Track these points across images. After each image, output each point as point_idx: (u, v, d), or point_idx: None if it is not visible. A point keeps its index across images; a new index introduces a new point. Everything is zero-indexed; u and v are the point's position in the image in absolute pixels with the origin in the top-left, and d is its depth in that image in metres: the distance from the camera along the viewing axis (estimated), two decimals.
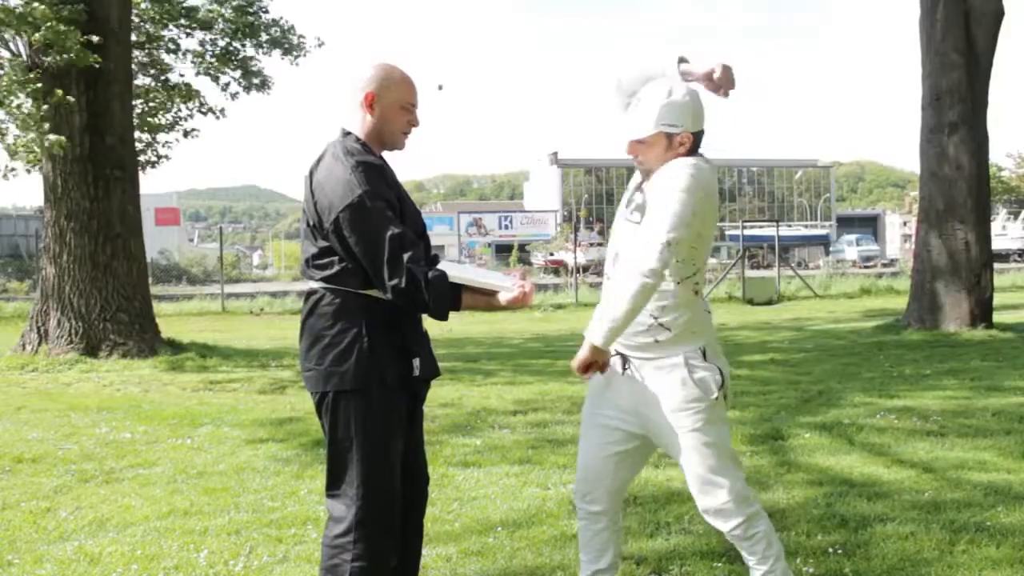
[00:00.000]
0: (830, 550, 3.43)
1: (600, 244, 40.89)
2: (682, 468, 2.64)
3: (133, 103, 11.63)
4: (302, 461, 5.11)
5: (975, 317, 11.05)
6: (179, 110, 13.82)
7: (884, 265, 41.77)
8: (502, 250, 55.13)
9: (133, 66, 11.80)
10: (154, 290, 16.34)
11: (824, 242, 57.46)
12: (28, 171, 11.52)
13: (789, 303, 20.55)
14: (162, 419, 6.53)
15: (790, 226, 62.55)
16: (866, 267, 40.14)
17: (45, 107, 9.84)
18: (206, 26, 13.20)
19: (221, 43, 13.48)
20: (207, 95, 14.23)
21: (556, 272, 38.94)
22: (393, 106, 2.54)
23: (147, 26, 13.20)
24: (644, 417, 2.62)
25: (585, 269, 26.30)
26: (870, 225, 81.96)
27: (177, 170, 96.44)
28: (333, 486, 2.52)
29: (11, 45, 10.59)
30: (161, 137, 13.72)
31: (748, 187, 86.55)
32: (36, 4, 9.29)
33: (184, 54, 13.52)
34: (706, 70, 2.63)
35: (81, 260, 10.28)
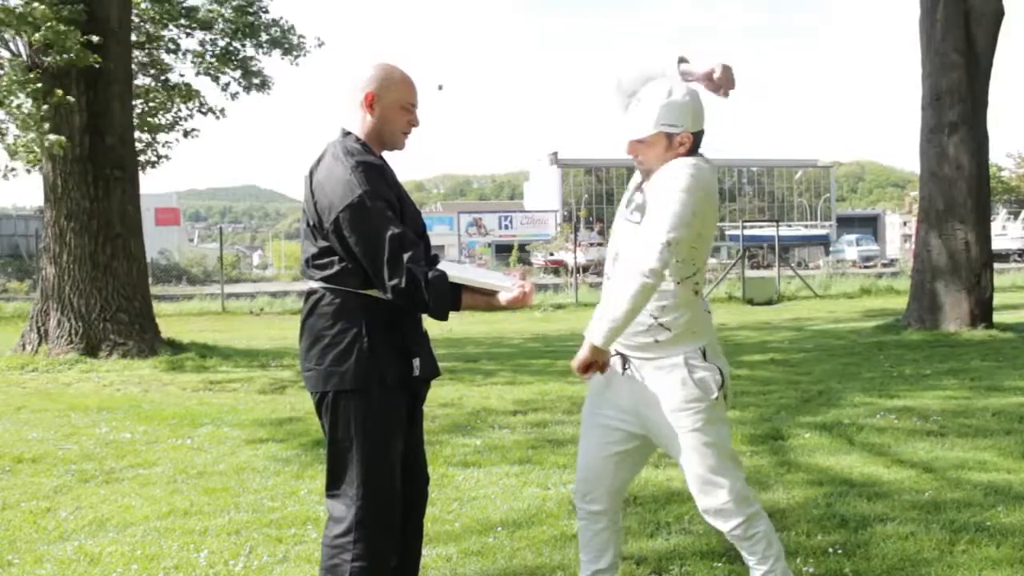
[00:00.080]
0: (830, 550, 3.43)
1: (600, 244, 40.88)
2: (682, 468, 2.64)
3: (133, 103, 11.63)
4: (302, 461, 5.11)
5: (975, 317, 11.05)
6: (179, 110, 13.82)
7: (884, 265, 41.77)
8: (502, 250, 55.13)
9: (133, 66, 11.79)
10: (154, 290, 16.35)
11: (824, 242, 57.46)
12: (28, 171, 11.52)
13: (789, 303, 20.55)
14: (162, 419, 6.53)
15: (790, 226, 62.56)
16: (866, 267, 40.13)
17: (45, 107, 9.84)
18: (206, 26, 13.20)
19: (221, 43, 13.48)
20: (207, 95, 14.24)
21: (556, 272, 38.94)
22: (393, 106, 2.54)
23: (147, 26, 13.20)
24: (644, 417, 2.62)
25: (585, 269, 26.31)
26: (870, 225, 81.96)
27: (177, 170, 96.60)
28: (333, 486, 2.52)
29: (11, 45, 10.59)
30: (161, 137, 13.74)
31: (748, 187, 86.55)
32: (36, 4, 9.30)
33: (184, 54, 13.53)
34: (706, 70, 2.63)
35: (81, 260, 10.28)
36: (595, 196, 78.68)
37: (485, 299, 2.54)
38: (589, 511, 2.76)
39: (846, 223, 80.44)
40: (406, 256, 2.36)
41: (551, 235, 57.98)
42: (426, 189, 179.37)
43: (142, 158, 13.10)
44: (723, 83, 2.63)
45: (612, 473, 2.73)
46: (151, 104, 13.45)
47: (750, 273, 27.56)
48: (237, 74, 13.61)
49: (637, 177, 2.71)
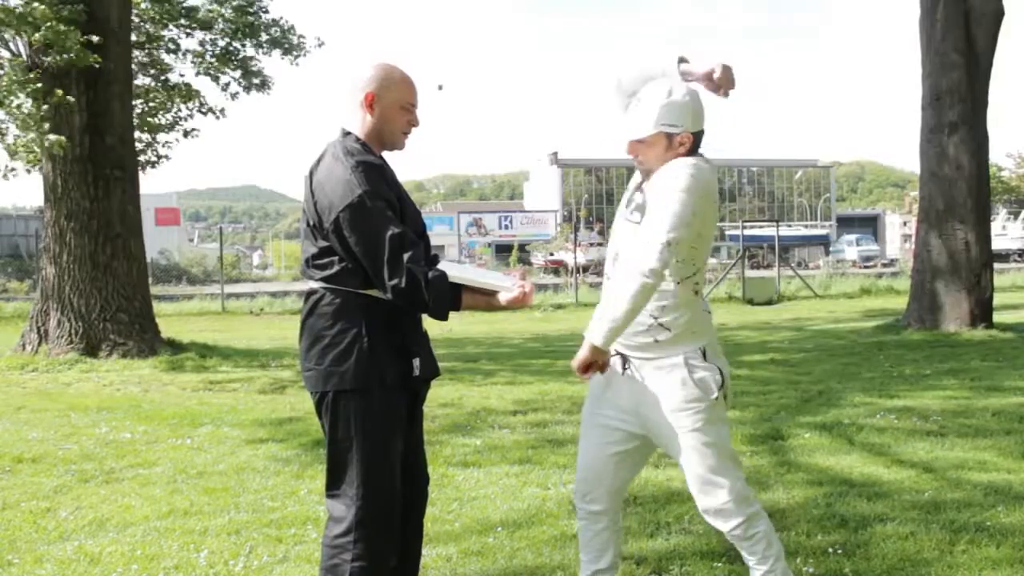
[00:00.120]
0: (830, 550, 3.43)
1: (600, 244, 40.89)
2: (682, 468, 2.64)
3: (133, 103, 11.62)
4: (302, 461, 5.11)
5: (975, 317, 11.05)
6: (179, 110, 13.82)
7: (884, 265, 41.77)
8: (502, 250, 55.12)
9: (133, 66, 11.79)
10: (154, 290, 16.34)
11: (824, 242, 57.47)
12: (28, 171, 11.52)
13: (789, 303, 20.55)
14: (162, 419, 6.53)
15: (790, 226, 62.57)
16: (866, 267, 40.14)
17: (45, 107, 9.84)
18: (206, 26, 13.20)
19: (221, 43, 13.48)
20: (207, 95, 14.22)
21: (556, 272, 38.95)
22: (393, 106, 2.54)
23: (147, 26, 13.20)
24: (644, 417, 2.62)
25: (585, 269, 26.32)
26: (870, 225, 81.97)
27: (177, 170, 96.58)
28: (333, 486, 2.52)
29: (11, 45, 10.59)
30: (161, 137, 13.74)
31: (748, 187, 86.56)
32: (36, 4, 9.29)
33: (184, 54, 13.52)
34: (706, 70, 2.63)
35: (81, 260, 10.27)
36: (595, 196, 78.69)
37: (485, 299, 2.54)
38: (589, 511, 2.76)
39: (846, 223, 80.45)
40: (406, 256, 2.36)
41: (551, 235, 57.98)
42: (426, 189, 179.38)
43: (142, 158, 13.10)
44: (723, 83, 2.63)
45: (612, 473, 2.73)
46: (151, 104, 13.45)
47: (750, 273, 27.57)
48: (237, 74, 13.61)
49: (637, 177, 2.71)
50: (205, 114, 13.87)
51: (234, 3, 13.10)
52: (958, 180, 11.17)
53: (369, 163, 2.45)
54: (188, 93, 13.55)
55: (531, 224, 63.12)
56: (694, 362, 2.55)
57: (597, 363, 2.55)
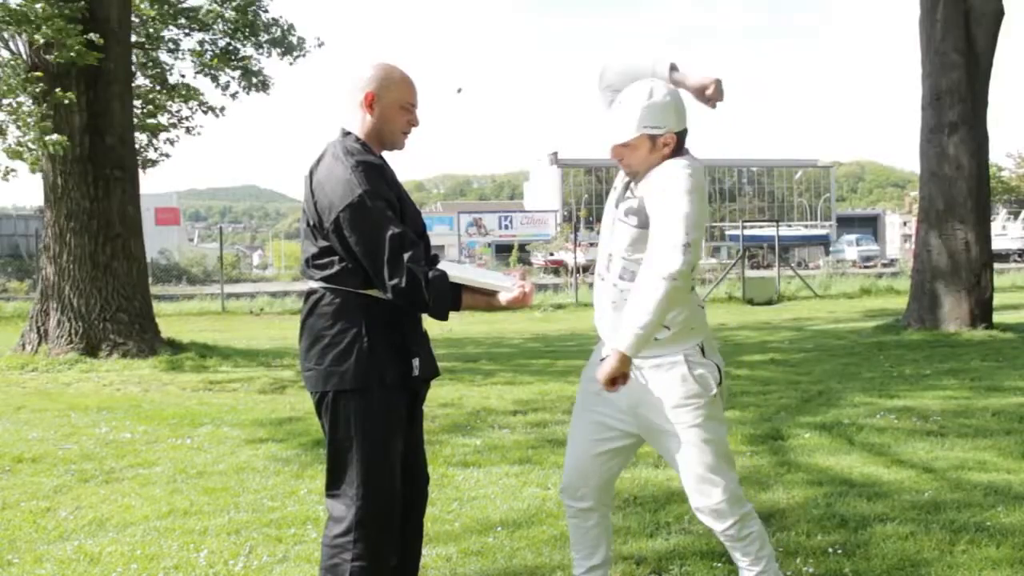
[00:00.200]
0: (830, 550, 3.43)
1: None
2: (677, 467, 2.63)
3: (133, 103, 11.62)
4: (302, 461, 5.11)
5: (975, 317, 11.05)
6: (179, 110, 13.82)
7: (884, 265, 41.79)
8: (502, 250, 55.13)
9: (132, 66, 11.79)
10: (154, 290, 16.34)
11: (824, 242, 57.50)
12: (32, 172, 11.50)
13: (789, 303, 20.55)
14: (162, 419, 6.53)
15: (790, 226, 62.60)
16: (866, 267, 40.15)
17: (45, 107, 9.83)
18: (206, 27, 13.20)
19: (221, 43, 13.47)
20: (207, 95, 14.20)
21: (556, 272, 38.95)
22: (393, 106, 2.54)
23: (147, 27, 13.19)
24: (641, 417, 2.62)
25: (585, 269, 26.29)
26: (870, 225, 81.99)
27: (177, 170, 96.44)
28: (333, 486, 2.52)
29: (11, 45, 10.58)
30: (162, 135, 13.72)
31: (748, 187, 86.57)
32: (37, 4, 9.29)
33: (184, 54, 13.52)
34: (699, 84, 2.64)
35: (81, 260, 10.27)
36: (595, 196, 78.67)
37: (485, 299, 2.54)
38: (579, 508, 2.76)
39: (846, 223, 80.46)
40: (406, 256, 2.35)
41: (551, 235, 58.01)
42: (426, 189, 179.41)
43: (142, 156, 13.09)
44: (714, 97, 2.64)
45: (600, 470, 2.74)
46: (151, 106, 13.44)
47: (750, 273, 27.57)
48: (237, 74, 13.61)
49: (623, 176, 2.71)
50: (206, 113, 13.86)
51: (234, 3, 13.10)
52: (958, 180, 11.17)
53: (369, 163, 2.45)
54: (188, 93, 13.55)
55: (531, 224, 63.13)
56: (693, 359, 2.55)
57: (625, 374, 2.47)
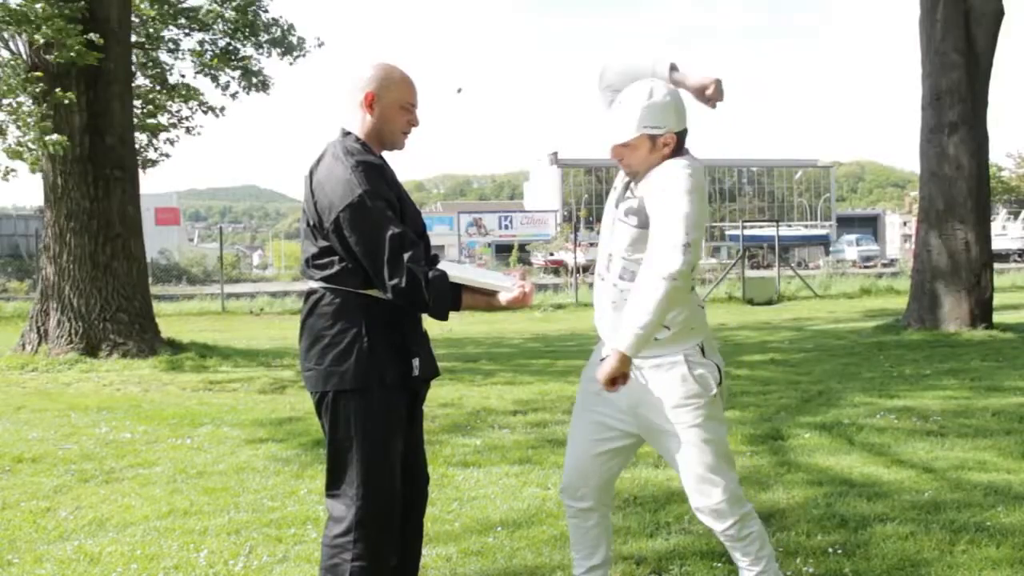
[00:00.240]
0: (830, 550, 3.43)
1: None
2: (678, 467, 2.63)
3: (133, 103, 11.62)
4: (302, 461, 5.11)
5: (975, 317, 11.05)
6: (179, 110, 13.82)
7: (884, 265, 41.80)
8: (502, 250, 55.12)
9: (132, 66, 11.78)
10: (154, 290, 16.34)
11: (824, 242, 57.50)
12: (32, 171, 11.50)
13: (789, 303, 20.55)
14: (162, 419, 6.53)
15: (790, 226, 62.61)
16: (866, 267, 40.15)
17: (45, 107, 9.83)
18: (206, 27, 13.19)
19: (221, 43, 13.47)
20: (207, 95, 14.20)
21: (556, 272, 38.95)
22: (393, 106, 2.54)
23: (147, 27, 13.19)
24: (642, 417, 2.62)
25: (585, 269, 26.29)
26: (870, 225, 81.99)
27: (177, 170, 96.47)
28: (333, 486, 2.52)
29: (11, 45, 10.58)
30: (162, 135, 13.72)
31: (748, 187, 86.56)
32: (37, 3, 9.29)
33: (184, 54, 13.52)
34: (699, 84, 2.64)
35: (81, 260, 10.27)
36: (595, 196, 78.67)
37: (485, 299, 2.54)
38: (579, 508, 2.76)
39: (846, 223, 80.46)
40: (406, 256, 2.35)
41: (551, 235, 58.01)
42: (426, 189, 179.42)
43: (142, 157, 13.08)
44: (714, 97, 2.65)
45: (600, 470, 2.74)
46: (151, 106, 13.44)
47: (750, 273, 27.57)
48: (237, 74, 13.61)
49: (623, 176, 2.71)
50: (206, 113, 13.86)
51: (234, 3, 13.09)
52: (958, 180, 11.17)
53: (369, 163, 2.45)
54: (188, 93, 13.55)
55: (531, 224, 63.12)
56: (693, 359, 2.55)
57: (625, 374, 2.47)
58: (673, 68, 2.66)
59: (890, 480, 4.43)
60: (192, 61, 13.49)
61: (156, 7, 12.95)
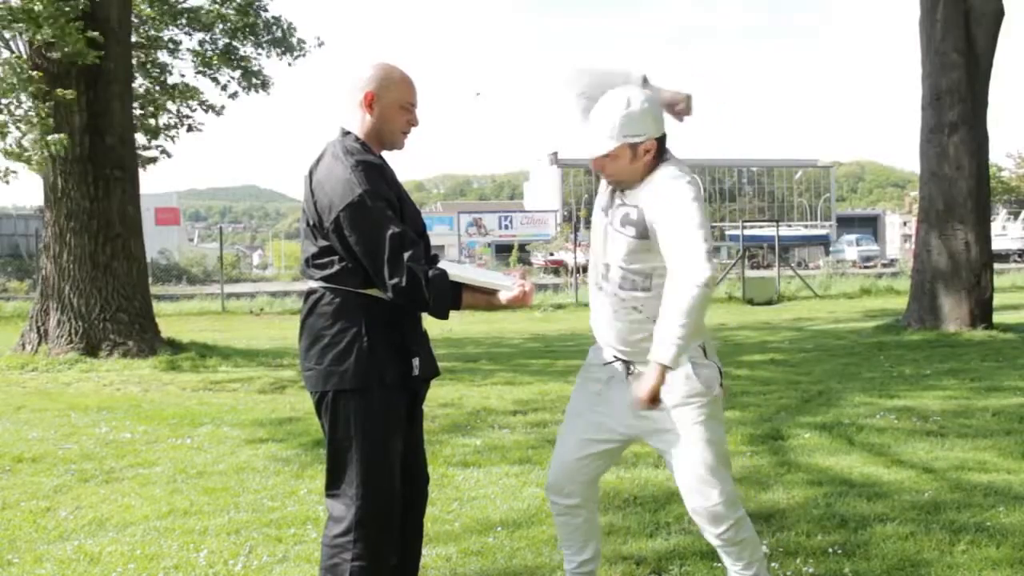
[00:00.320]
0: (830, 550, 3.43)
1: None
2: (678, 467, 2.63)
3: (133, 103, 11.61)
4: (302, 461, 5.11)
5: (975, 317, 11.05)
6: (179, 110, 13.81)
7: (884, 265, 41.80)
8: (502, 250, 55.10)
9: (132, 66, 11.78)
10: (154, 290, 16.34)
11: (824, 242, 57.48)
12: (37, 172, 11.49)
13: (789, 303, 20.55)
14: (162, 419, 6.53)
15: (790, 226, 62.58)
16: (866, 267, 40.17)
17: (46, 107, 9.83)
18: (206, 27, 13.19)
19: (221, 43, 13.47)
20: (206, 95, 14.19)
21: (556, 272, 38.96)
22: (392, 106, 2.54)
23: (146, 28, 13.19)
24: (643, 417, 2.61)
25: (585, 269, 26.32)
26: (870, 225, 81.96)
27: (177, 170, 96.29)
28: (333, 486, 2.52)
29: (12, 44, 10.58)
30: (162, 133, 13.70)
31: (748, 187, 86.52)
32: (38, 3, 9.29)
33: (184, 54, 13.51)
34: (670, 100, 2.72)
35: (81, 260, 10.27)
36: (595, 196, 78.42)
37: (485, 298, 2.54)
38: (567, 505, 2.77)
39: (846, 223, 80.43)
40: (406, 255, 2.36)
41: (551, 235, 57.97)
42: (426, 189, 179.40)
43: (141, 157, 13.07)
44: (684, 112, 2.73)
45: (588, 468, 2.76)
46: (151, 107, 13.43)
47: (750, 273, 27.58)
48: (237, 74, 13.61)
49: (606, 184, 2.72)
50: (206, 111, 13.86)
51: (234, 3, 13.09)
52: (958, 180, 11.17)
53: (369, 162, 2.45)
54: (187, 92, 13.54)
55: (531, 224, 63.07)
56: (696, 359, 2.56)
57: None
58: (645, 81, 2.68)
59: (890, 480, 4.43)
60: (192, 61, 13.49)
61: (156, 7, 12.94)
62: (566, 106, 2.78)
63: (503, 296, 2.51)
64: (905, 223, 69.25)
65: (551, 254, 47.07)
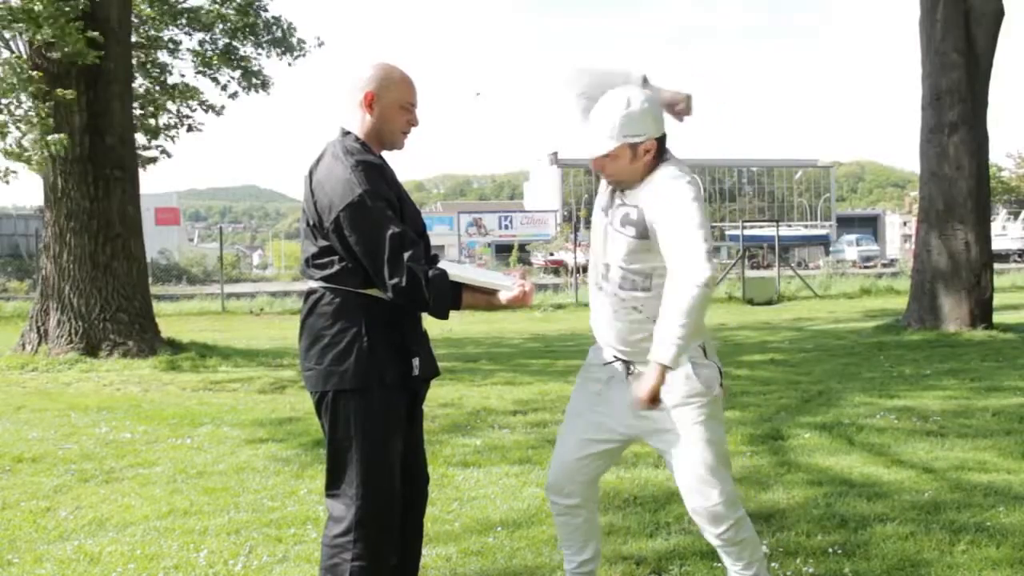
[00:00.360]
0: (830, 550, 3.43)
1: None
2: (679, 467, 2.63)
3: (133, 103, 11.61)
4: (302, 461, 5.11)
5: (975, 317, 11.05)
6: (179, 110, 13.81)
7: (884, 265, 41.81)
8: (502, 250, 55.10)
9: (132, 67, 11.77)
10: (154, 290, 16.34)
11: (824, 242, 57.50)
12: (37, 172, 11.49)
13: (789, 303, 20.55)
14: (162, 419, 6.53)
15: (790, 226, 62.59)
16: (866, 267, 40.17)
17: (46, 106, 9.83)
18: (206, 27, 13.19)
19: (221, 43, 13.46)
20: (207, 95, 14.19)
21: (556, 272, 38.96)
22: (392, 106, 2.54)
23: (146, 28, 13.19)
24: (643, 417, 2.61)
25: (585, 269, 26.34)
26: (870, 225, 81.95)
27: (177, 170, 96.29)
28: (333, 486, 2.52)
29: (12, 44, 10.58)
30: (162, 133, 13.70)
31: (748, 187, 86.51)
32: (38, 3, 9.29)
33: (184, 54, 13.51)
34: (670, 100, 2.72)
35: (81, 260, 10.27)
36: (595, 196, 78.48)
37: (485, 298, 2.54)
38: (566, 505, 2.77)
39: (846, 223, 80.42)
40: (406, 255, 2.36)
41: (551, 235, 57.98)
42: (426, 189, 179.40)
43: (141, 158, 13.07)
44: (684, 112, 2.73)
45: (588, 468, 2.76)
46: (151, 107, 13.42)
47: (750, 273, 27.58)
48: (237, 74, 13.61)
49: (606, 183, 2.72)
50: (206, 111, 13.86)
51: (235, 3, 13.09)
52: (958, 180, 11.17)
53: (369, 162, 2.45)
54: (187, 92, 13.54)
55: (531, 224, 63.06)
56: (696, 359, 2.56)
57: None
58: (645, 81, 2.68)
59: (890, 480, 4.43)
60: (192, 61, 13.49)
61: (156, 7, 12.94)
62: (566, 106, 2.78)
63: (503, 296, 2.51)
64: (905, 223, 69.27)
65: (551, 254, 47.09)
